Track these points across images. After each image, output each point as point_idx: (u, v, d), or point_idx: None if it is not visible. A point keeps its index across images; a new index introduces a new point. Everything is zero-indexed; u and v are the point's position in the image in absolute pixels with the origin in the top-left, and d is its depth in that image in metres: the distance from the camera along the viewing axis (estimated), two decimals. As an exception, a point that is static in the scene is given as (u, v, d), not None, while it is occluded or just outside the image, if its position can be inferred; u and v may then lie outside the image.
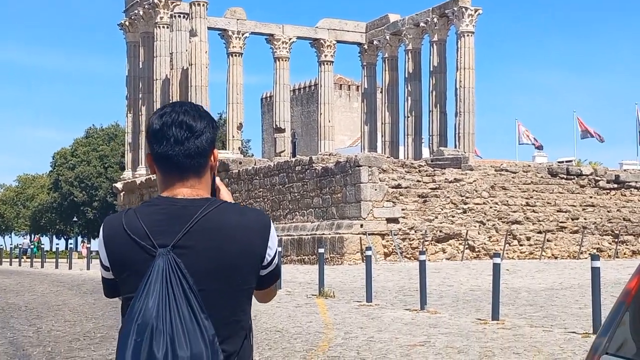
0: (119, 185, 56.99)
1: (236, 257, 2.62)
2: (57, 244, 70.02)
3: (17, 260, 54.00)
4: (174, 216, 2.62)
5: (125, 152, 58.78)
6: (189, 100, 49.94)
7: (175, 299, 2.49)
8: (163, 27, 51.06)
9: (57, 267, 43.52)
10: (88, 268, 38.73)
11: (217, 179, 2.87)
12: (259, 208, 2.75)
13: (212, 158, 2.75)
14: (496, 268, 14.77)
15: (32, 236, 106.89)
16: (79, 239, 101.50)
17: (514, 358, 10.57)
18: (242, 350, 2.66)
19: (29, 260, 53.33)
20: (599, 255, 13.46)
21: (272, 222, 2.75)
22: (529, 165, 39.60)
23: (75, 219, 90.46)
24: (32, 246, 71.52)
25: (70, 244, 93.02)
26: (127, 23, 55.09)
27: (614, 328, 3.03)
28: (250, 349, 2.73)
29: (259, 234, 2.67)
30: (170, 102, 2.92)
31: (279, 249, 2.87)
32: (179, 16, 50.17)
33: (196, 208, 2.63)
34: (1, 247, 74.49)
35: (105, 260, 2.70)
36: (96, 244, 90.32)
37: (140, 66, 54.03)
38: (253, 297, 2.82)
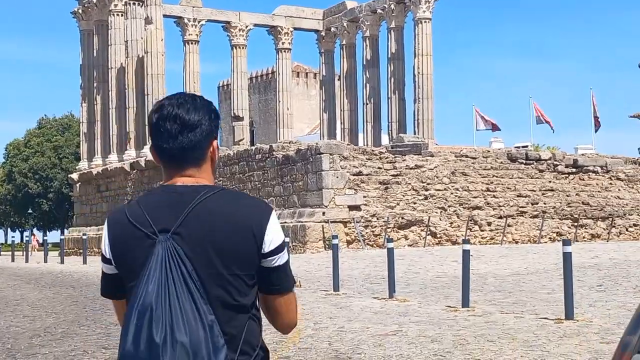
0: (74, 176, 56.02)
1: (232, 241, 2.61)
2: (13, 237, 68.52)
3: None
4: (174, 203, 2.64)
5: (81, 142, 57.79)
6: (146, 89, 49.18)
7: (174, 285, 2.51)
8: (117, 14, 50.15)
9: (13, 260, 42.63)
10: (45, 261, 37.96)
11: None
12: (254, 198, 2.74)
13: (211, 149, 2.75)
14: (465, 255, 14.57)
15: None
16: (35, 231, 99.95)
17: (489, 346, 10.38)
18: (247, 332, 2.64)
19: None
20: (570, 240, 13.31)
21: (273, 212, 2.70)
22: (489, 151, 39.68)
23: (30, 210, 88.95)
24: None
25: (26, 236, 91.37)
26: (80, 11, 54.02)
27: None
28: (257, 331, 2.70)
29: (257, 220, 2.64)
30: (174, 93, 2.85)
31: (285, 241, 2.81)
32: (134, 3, 49.31)
33: (194, 194, 2.64)
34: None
35: (107, 253, 2.72)
36: (51, 236, 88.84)
37: (95, 55, 53.02)
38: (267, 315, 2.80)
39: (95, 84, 53.08)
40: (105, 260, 2.73)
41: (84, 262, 34.43)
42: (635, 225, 38.29)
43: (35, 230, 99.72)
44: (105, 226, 2.74)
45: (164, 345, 2.45)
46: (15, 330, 13.45)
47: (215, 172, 2.81)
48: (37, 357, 10.75)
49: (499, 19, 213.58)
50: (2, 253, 52.84)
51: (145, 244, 2.59)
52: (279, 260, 2.68)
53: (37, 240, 61.09)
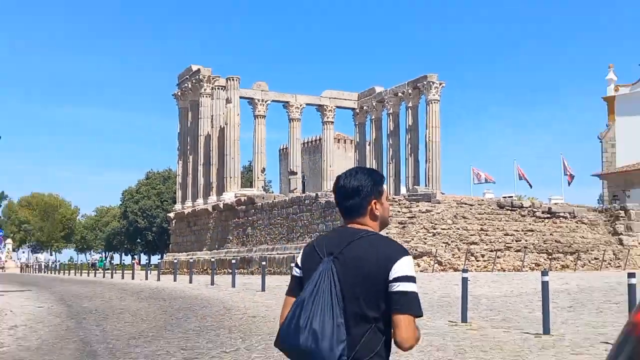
0: (171, 215, 56.30)
1: (371, 269, 2.72)
2: (124, 260, 69.05)
3: (93, 272, 53.09)
4: (342, 237, 2.85)
5: (177, 190, 58.16)
6: (225, 151, 49.32)
7: (322, 291, 2.72)
8: (206, 96, 50.80)
9: (123, 277, 42.61)
10: (146, 279, 37.82)
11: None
12: (397, 243, 2.82)
13: (372, 206, 2.88)
14: (464, 281, 13.98)
15: (107, 254, 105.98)
16: (142, 255, 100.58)
17: (482, 355, 9.78)
18: (367, 336, 2.73)
19: (101, 271, 52.44)
20: (547, 271, 12.66)
21: (407, 254, 2.76)
22: (483, 200, 38.86)
23: (138, 240, 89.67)
24: (98, 261, 70.22)
25: (134, 259, 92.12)
26: (179, 93, 54.83)
27: None
28: (377, 339, 2.75)
29: (391, 256, 2.73)
30: (351, 168, 3.16)
31: (413, 284, 2.76)
32: (218, 88, 49.95)
33: (355, 234, 2.83)
34: (76, 262, 73.41)
35: (299, 262, 2.95)
36: (153, 260, 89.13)
37: (189, 125, 53.65)
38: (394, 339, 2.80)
39: (188, 147, 53.58)
40: (297, 266, 2.95)
41: (174, 279, 34.21)
42: (596, 258, 36.96)
43: (142, 255, 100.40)
44: (305, 246, 3.00)
45: (303, 328, 2.66)
46: (117, 333, 13.14)
47: (386, 221, 2.95)
48: (131, 355, 10.41)
49: (495, 97, 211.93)
50: (116, 272, 52.92)
51: (317, 261, 2.83)
52: (401, 287, 2.71)
53: (137, 263, 61.18)
